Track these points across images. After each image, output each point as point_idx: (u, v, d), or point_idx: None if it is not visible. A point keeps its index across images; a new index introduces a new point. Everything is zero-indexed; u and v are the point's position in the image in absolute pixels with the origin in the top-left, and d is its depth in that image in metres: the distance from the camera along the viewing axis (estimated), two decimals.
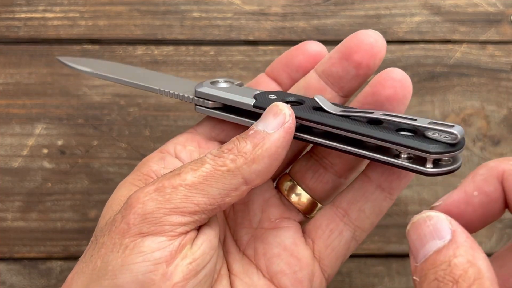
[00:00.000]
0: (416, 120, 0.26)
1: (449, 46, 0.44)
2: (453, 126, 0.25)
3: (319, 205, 0.31)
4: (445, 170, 0.26)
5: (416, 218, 0.23)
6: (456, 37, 0.44)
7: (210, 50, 0.44)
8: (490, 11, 0.45)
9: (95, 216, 0.42)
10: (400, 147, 0.26)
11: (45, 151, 0.43)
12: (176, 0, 0.44)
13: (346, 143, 0.27)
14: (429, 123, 0.26)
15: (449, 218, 0.22)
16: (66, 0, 0.44)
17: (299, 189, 0.30)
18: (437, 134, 0.26)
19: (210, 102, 0.30)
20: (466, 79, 0.44)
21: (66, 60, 0.35)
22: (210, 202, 0.24)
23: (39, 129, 0.43)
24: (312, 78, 0.30)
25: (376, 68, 0.29)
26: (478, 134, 0.43)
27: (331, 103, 0.28)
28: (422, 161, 0.26)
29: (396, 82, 0.27)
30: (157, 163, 0.29)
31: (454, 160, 0.27)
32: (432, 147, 0.25)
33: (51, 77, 0.44)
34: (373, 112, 0.26)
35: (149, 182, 0.26)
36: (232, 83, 0.31)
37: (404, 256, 0.42)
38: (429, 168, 0.26)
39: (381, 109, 0.28)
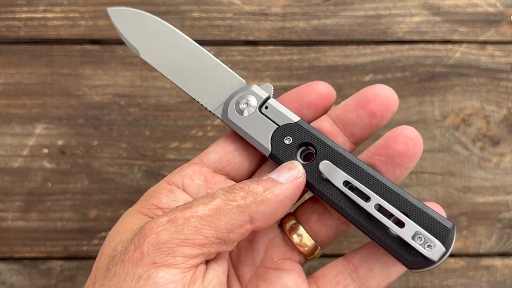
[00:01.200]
0: (403, 226, 0.27)
1: (449, 46, 0.44)
2: (435, 245, 0.27)
3: (319, 248, 0.31)
4: (426, 270, 0.28)
5: None
6: (455, 37, 0.44)
7: (210, 50, 0.44)
8: (489, 11, 0.45)
9: (95, 216, 0.42)
10: (383, 248, 0.28)
11: (45, 151, 0.43)
12: (176, 0, 0.44)
13: (348, 215, 0.29)
14: (414, 233, 0.27)
15: None
16: (66, 0, 0.44)
17: (301, 230, 0.31)
18: (422, 242, 0.27)
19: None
20: (465, 79, 0.44)
21: (116, 18, 0.33)
22: (217, 236, 0.25)
23: (39, 129, 0.43)
24: (325, 121, 0.31)
25: (388, 120, 0.30)
26: (477, 134, 0.43)
27: (341, 156, 0.29)
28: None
29: (409, 139, 0.28)
30: (166, 195, 0.29)
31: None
32: (410, 262, 0.27)
33: (51, 77, 0.44)
34: (369, 199, 0.28)
35: (161, 214, 0.26)
36: (257, 99, 0.31)
37: None
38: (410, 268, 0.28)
39: (392, 163, 0.29)
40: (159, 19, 0.33)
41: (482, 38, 0.44)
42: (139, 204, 0.29)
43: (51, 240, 0.42)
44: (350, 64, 0.44)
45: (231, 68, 0.44)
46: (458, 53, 0.44)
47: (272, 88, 0.31)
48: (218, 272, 0.26)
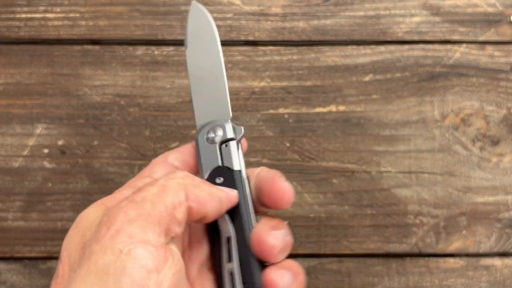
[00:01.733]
0: None
1: (449, 46, 0.44)
2: None
3: None
4: None
5: None
6: (455, 37, 0.44)
7: None
8: (489, 12, 0.45)
9: None
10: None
11: (46, 151, 0.43)
12: (176, 0, 0.44)
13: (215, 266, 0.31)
14: None
15: None
16: (67, 1, 0.44)
17: None
18: None
19: None
20: (465, 79, 0.44)
21: (193, 13, 0.35)
22: (166, 212, 0.27)
23: (39, 129, 0.43)
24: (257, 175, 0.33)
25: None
26: (477, 134, 0.43)
27: (239, 215, 0.31)
28: None
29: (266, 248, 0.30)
30: (129, 191, 0.31)
31: None
32: None
33: (51, 77, 0.44)
34: (230, 262, 0.30)
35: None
36: (223, 135, 0.33)
37: (404, 255, 0.42)
38: None
39: None
40: (214, 29, 0.35)
41: (481, 38, 0.44)
42: (105, 198, 0.31)
43: (52, 240, 0.42)
44: (350, 64, 0.44)
45: (231, 68, 0.44)
46: (458, 53, 0.44)
47: (243, 132, 0.32)
48: (178, 255, 0.28)
